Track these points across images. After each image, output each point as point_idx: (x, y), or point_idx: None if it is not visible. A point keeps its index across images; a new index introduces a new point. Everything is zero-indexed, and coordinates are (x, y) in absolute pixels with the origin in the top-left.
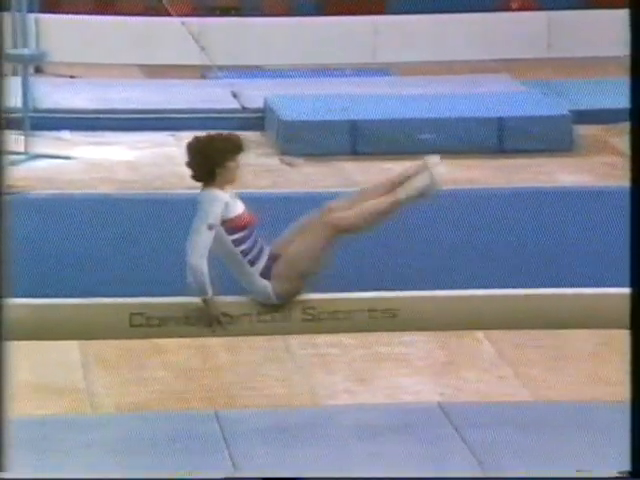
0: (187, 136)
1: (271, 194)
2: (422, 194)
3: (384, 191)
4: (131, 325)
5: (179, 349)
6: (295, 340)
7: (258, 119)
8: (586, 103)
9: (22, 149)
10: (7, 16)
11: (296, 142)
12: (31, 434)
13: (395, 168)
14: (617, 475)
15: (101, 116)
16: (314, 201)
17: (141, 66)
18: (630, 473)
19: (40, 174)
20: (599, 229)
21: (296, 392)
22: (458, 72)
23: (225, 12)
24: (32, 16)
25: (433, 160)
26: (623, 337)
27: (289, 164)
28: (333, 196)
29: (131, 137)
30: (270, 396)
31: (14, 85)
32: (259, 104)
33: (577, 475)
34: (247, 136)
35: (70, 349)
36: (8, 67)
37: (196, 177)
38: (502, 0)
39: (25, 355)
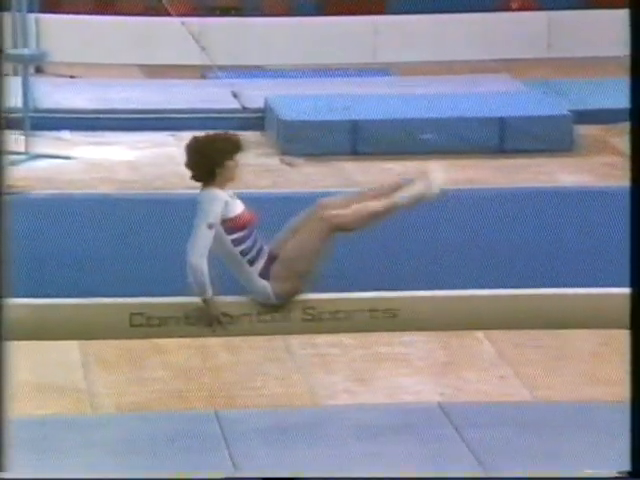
0: (187, 136)
1: (271, 194)
2: (419, 200)
3: (380, 195)
4: (131, 325)
5: (179, 349)
6: (295, 340)
7: (258, 119)
8: (586, 103)
9: (22, 149)
10: (7, 16)
11: (296, 142)
12: (31, 434)
13: (396, 168)
14: (617, 475)
15: (101, 116)
16: (314, 201)
17: (141, 66)
18: (630, 473)
19: (40, 174)
20: (599, 229)
21: (296, 392)
22: (458, 72)
23: (225, 12)
24: (32, 16)
25: (434, 167)
26: (623, 337)
27: (289, 164)
28: (333, 196)
29: (131, 137)
30: (270, 396)
31: (14, 85)
32: (259, 104)
33: (579, 475)
34: (247, 136)
35: (70, 349)
36: (8, 67)
37: (196, 177)
38: (502, 0)
39: (25, 355)
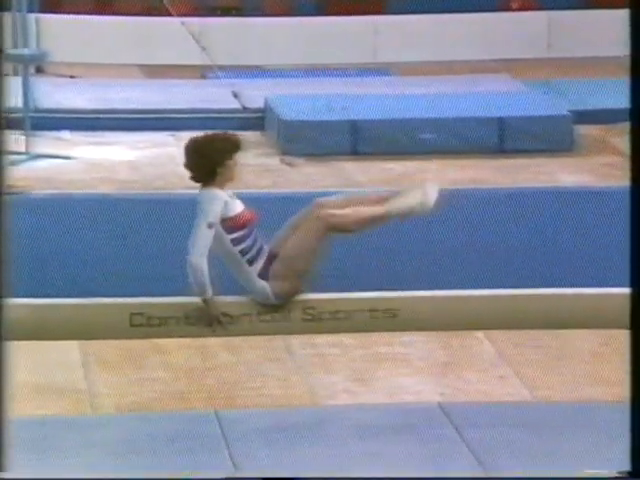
0: (187, 136)
1: (271, 194)
2: (412, 212)
3: (377, 201)
4: (131, 325)
5: (179, 349)
6: (295, 340)
7: (258, 119)
8: (586, 103)
9: (23, 149)
10: (7, 16)
11: (296, 142)
12: (31, 434)
13: (396, 168)
14: (617, 475)
15: (101, 116)
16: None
17: (141, 66)
18: (630, 473)
19: (40, 174)
20: (599, 229)
21: (296, 392)
22: (458, 72)
23: (226, 12)
24: (33, 16)
25: (430, 184)
26: (623, 337)
27: (289, 164)
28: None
29: (131, 137)
30: (270, 396)
31: (15, 85)
32: (259, 104)
33: (580, 475)
34: (247, 136)
35: (70, 349)
36: (9, 67)
37: (195, 178)
38: (502, 0)
39: (25, 355)
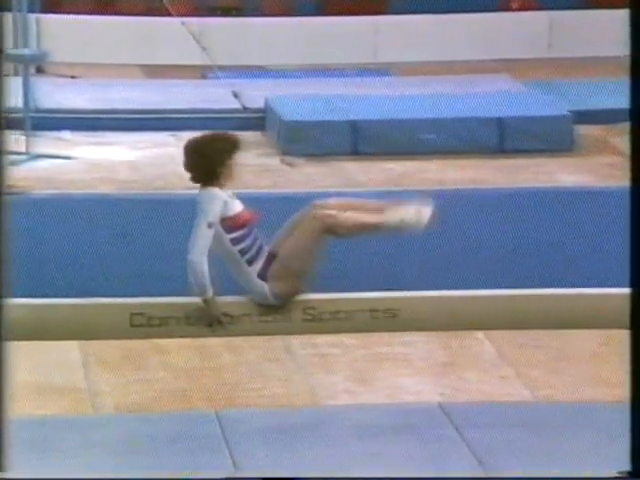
0: (188, 136)
1: (271, 194)
2: (405, 227)
3: (373, 210)
4: (132, 325)
5: (180, 349)
6: (295, 340)
7: (259, 119)
8: (586, 103)
9: (23, 149)
10: (8, 16)
11: (297, 142)
12: (31, 434)
13: (396, 168)
14: (617, 475)
15: (102, 116)
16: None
17: (142, 66)
18: (630, 473)
19: (41, 174)
20: (599, 229)
21: (296, 392)
22: (458, 72)
23: (226, 12)
24: (33, 16)
25: (425, 205)
26: (623, 337)
27: (290, 164)
28: (333, 196)
29: (132, 137)
30: (270, 396)
31: (15, 85)
32: (260, 104)
33: (579, 475)
34: (248, 136)
35: (70, 349)
36: (9, 67)
37: (195, 179)
38: (502, 0)
39: (25, 355)
